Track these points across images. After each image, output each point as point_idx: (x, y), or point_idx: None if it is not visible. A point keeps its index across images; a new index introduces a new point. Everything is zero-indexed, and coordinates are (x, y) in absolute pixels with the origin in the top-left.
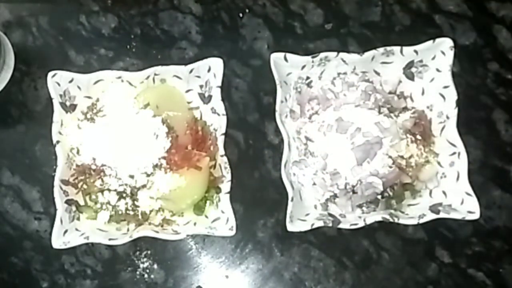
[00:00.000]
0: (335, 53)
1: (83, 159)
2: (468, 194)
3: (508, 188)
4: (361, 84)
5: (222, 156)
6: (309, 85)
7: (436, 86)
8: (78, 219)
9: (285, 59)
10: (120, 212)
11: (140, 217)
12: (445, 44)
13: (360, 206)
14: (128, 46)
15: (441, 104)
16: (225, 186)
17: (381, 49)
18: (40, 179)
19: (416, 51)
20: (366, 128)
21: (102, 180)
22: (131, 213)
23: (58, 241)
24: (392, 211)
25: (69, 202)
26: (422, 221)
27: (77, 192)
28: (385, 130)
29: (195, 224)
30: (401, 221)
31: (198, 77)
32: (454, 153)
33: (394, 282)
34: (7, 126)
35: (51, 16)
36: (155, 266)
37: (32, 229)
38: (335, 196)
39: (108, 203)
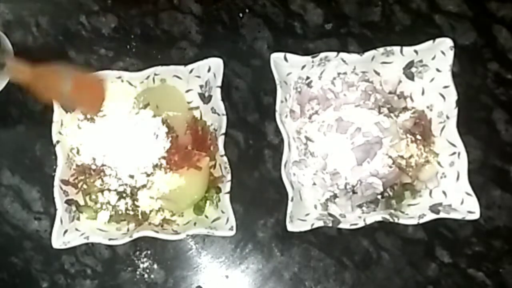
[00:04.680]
0: (335, 53)
1: (83, 159)
2: (468, 194)
3: (508, 188)
4: (361, 84)
5: (222, 156)
6: (309, 85)
7: (436, 86)
8: (78, 219)
9: (285, 59)
10: (120, 212)
11: (140, 217)
12: (445, 44)
13: (360, 206)
14: (128, 46)
15: (441, 104)
16: (225, 186)
17: (381, 49)
18: (40, 179)
19: (416, 51)
20: (366, 128)
21: (102, 180)
22: (131, 213)
23: (58, 241)
24: (392, 211)
25: (69, 202)
26: (422, 221)
27: (77, 192)
28: (385, 130)
29: (195, 224)
30: (401, 221)
31: (198, 77)
32: (454, 153)
33: (394, 282)
34: (7, 126)
35: (51, 16)
36: (155, 266)
37: (32, 229)
38: (335, 196)
39: (108, 203)
